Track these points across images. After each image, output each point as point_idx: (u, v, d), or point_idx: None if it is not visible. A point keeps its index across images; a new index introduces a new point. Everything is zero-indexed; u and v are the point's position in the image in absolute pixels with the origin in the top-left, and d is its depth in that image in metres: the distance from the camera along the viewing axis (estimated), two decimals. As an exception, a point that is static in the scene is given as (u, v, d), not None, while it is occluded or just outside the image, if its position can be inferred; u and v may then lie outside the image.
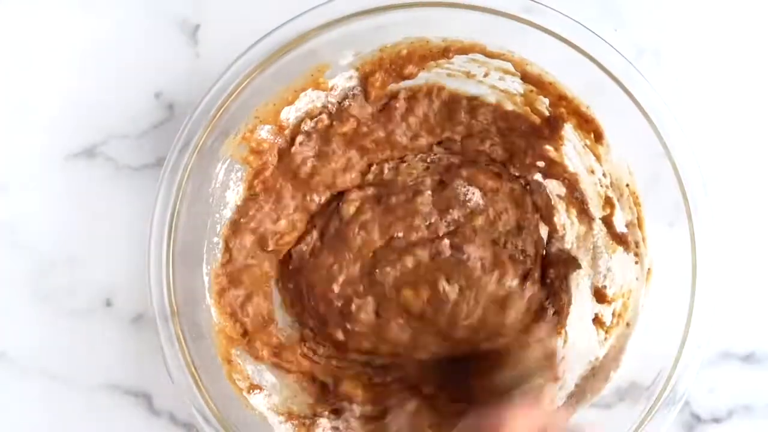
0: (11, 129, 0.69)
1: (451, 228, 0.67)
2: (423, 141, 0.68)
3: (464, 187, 0.67)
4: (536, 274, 0.67)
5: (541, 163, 0.67)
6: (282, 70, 0.60)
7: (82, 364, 0.68)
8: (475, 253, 0.66)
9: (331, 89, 0.65)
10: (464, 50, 0.64)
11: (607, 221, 0.66)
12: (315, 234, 0.67)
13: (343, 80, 0.65)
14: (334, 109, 0.66)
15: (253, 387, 0.64)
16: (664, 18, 0.69)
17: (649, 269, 0.63)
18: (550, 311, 0.67)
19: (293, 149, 0.65)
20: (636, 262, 0.64)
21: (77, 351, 0.68)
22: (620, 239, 0.65)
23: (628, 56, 0.61)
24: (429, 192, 0.67)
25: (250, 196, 0.65)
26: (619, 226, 0.65)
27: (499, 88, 0.66)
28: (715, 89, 0.69)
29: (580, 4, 0.67)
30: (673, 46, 0.69)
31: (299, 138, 0.65)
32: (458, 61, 0.64)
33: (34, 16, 0.70)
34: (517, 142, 0.67)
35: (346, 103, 0.66)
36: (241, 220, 0.65)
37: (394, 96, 0.66)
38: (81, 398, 0.68)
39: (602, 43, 0.60)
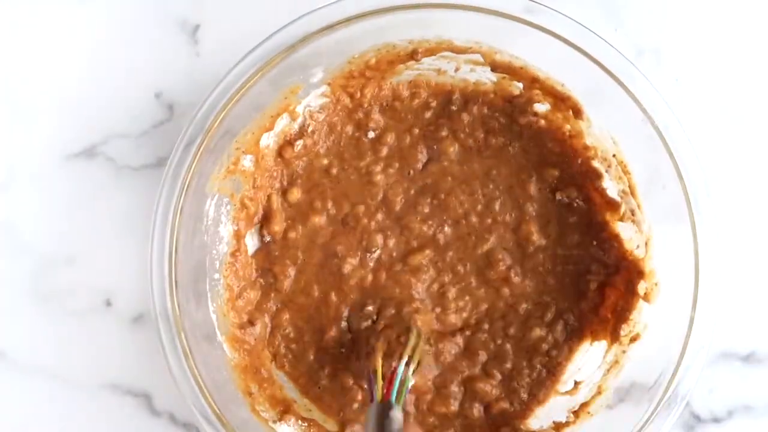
0: (11, 129, 0.69)
1: None
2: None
3: None
4: None
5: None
6: (257, 96, 0.61)
7: (82, 364, 0.68)
8: None
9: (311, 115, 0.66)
10: (432, 51, 0.64)
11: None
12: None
13: (315, 98, 0.65)
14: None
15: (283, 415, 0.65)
16: (664, 18, 0.69)
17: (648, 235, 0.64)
18: None
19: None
20: (636, 231, 0.65)
21: (77, 351, 0.68)
22: (614, 207, 0.65)
23: (628, 56, 0.61)
24: None
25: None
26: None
27: (470, 80, 0.67)
28: (715, 89, 0.69)
29: (581, 5, 0.67)
30: (673, 46, 0.69)
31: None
32: (427, 60, 0.65)
33: (34, 16, 0.70)
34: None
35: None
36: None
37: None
38: (81, 398, 0.68)
39: (602, 43, 0.60)
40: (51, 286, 0.69)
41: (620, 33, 0.69)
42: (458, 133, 0.67)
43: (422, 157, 0.67)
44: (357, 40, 0.62)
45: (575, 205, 0.67)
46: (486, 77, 0.66)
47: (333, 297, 0.66)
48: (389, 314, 0.66)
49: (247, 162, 0.65)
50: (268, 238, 0.67)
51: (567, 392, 0.66)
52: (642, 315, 0.64)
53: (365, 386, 0.65)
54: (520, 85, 0.66)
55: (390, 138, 0.67)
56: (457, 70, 0.66)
